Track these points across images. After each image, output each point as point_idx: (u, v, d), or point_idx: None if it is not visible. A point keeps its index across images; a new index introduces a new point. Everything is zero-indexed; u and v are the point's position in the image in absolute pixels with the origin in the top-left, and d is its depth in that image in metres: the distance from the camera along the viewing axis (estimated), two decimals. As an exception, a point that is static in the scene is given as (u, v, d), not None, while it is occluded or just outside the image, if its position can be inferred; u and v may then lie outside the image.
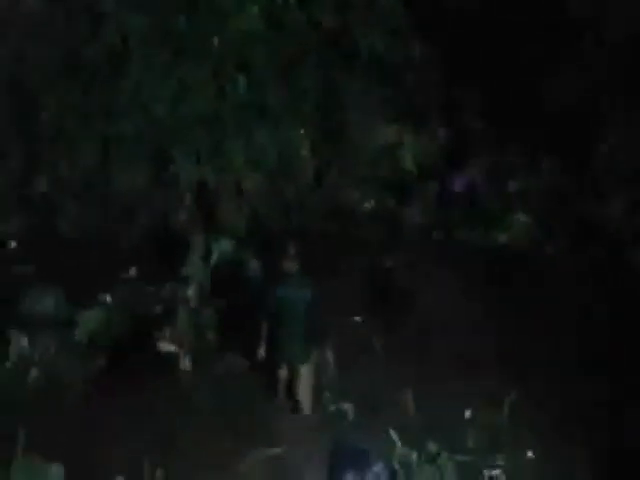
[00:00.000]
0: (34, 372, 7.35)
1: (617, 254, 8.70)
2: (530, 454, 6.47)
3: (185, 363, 7.67)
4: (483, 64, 9.13)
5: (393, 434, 6.43)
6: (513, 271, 8.55)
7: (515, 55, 9.02)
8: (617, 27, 8.49)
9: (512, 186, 9.38)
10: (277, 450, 6.55)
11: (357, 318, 8.05)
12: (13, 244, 8.05)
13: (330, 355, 7.41)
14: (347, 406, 7.06)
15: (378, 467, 6.04)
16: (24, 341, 7.43)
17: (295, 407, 7.15)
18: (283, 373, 7.23)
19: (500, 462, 6.36)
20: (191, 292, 7.84)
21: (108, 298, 7.88)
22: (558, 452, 6.42)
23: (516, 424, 6.72)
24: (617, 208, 8.92)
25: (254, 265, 8.02)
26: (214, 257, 8.14)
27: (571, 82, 8.48)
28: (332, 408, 7.11)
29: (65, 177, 7.84)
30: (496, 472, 6.25)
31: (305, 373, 7.12)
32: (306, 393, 7.16)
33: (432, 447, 6.37)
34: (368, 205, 9.10)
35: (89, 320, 7.67)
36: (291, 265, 7.03)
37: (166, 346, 7.48)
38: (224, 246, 8.22)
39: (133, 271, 7.96)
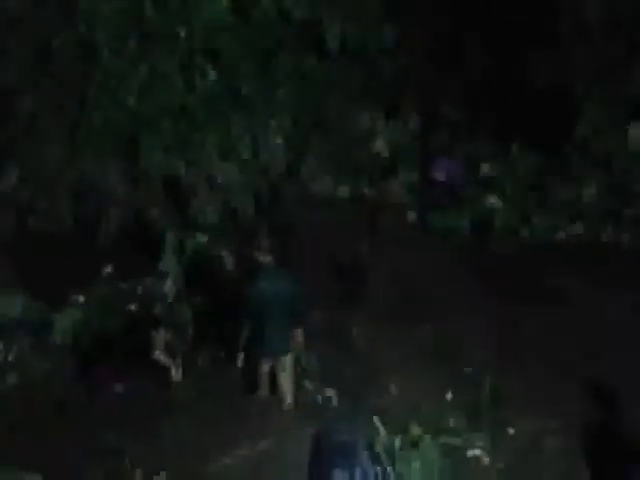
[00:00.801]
0: (11, 377, 7.20)
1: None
2: (511, 431, 6.50)
3: (162, 359, 7.55)
4: (458, 48, 9.14)
5: (376, 420, 6.40)
6: (493, 256, 8.59)
7: (491, 38, 9.03)
8: (594, 10, 8.54)
9: (485, 171, 9.40)
10: (263, 444, 6.48)
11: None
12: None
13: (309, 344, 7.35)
14: (330, 393, 7.01)
15: (366, 463, 5.98)
16: (-1, 345, 7.27)
17: (278, 399, 7.08)
18: (264, 366, 7.16)
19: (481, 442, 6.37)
20: (167, 288, 7.74)
21: (81, 298, 7.69)
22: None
23: (496, 404, 6.73)
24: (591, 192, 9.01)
25: (229, 259, 7.92)
26: (188, 252, 8.00)
27: (548, 66, 8.52)
28: (315, 397, 7.06)
29: (35, 171, 7.71)
30: (478, 452, 6.28)
31: (286, 364, 7.06)
32: (288, 384, 7.10)
33: (415, 431, 6.36)
34: (344, 192, 9.04)
35: (64, 321, 7.51)
36: (266, 257, 6.96)
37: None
38: (199, 241, 8.09)
39: (109, 268, 7.80)
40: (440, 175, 9.39)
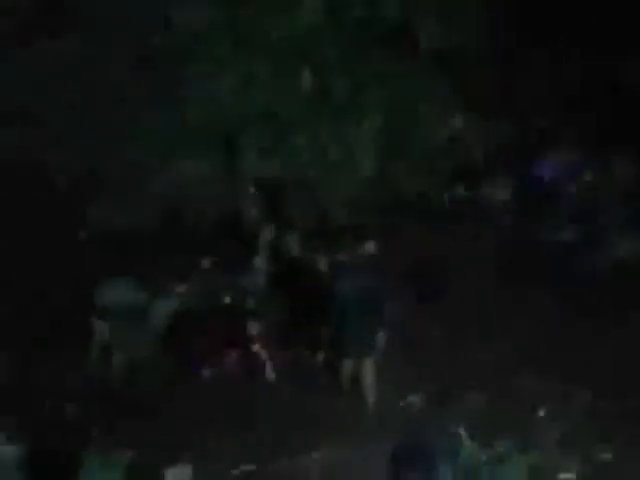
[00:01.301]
0: (118, 358, 7.55)
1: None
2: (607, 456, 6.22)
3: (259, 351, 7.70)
4: (550, 53, 8.82)
5: (462, 432, 6.27)
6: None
7: (582, 42, 8.67)
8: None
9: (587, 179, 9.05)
10: (344, 448, 6.49)
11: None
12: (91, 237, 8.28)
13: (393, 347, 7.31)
14: (414, 399, 6.93)
15: (443, 468, 5.86)
16: (106, 331, 7.64)
17: (361, 403, 7.08)
18: (347, 367, 7.18)
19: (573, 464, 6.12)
20: (260, 283, 7.94)
21: (182, 288, 8.03)
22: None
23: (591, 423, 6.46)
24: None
25: (322, 260, 8.03)
26: (282, 251, 8.19)
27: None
28: (400, 402, 7.01)
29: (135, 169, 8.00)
30: (570, 475, 6.02)
31: (369, 367, 7.05)
32: (371, 387, 7.09)
33: (501, 446, 6.19)
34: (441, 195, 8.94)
35: (165, 308, 7.83)
36: (361, 259, 6.99)
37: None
38: (292, 240, 8.27)
39: (208, 263, 8.13)
40: (544, 174, 9.11)
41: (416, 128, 8.46)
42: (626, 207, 8.88)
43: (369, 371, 7.06)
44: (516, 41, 8.79)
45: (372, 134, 7.95)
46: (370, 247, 7.99)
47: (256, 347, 7.62)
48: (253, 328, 7.72)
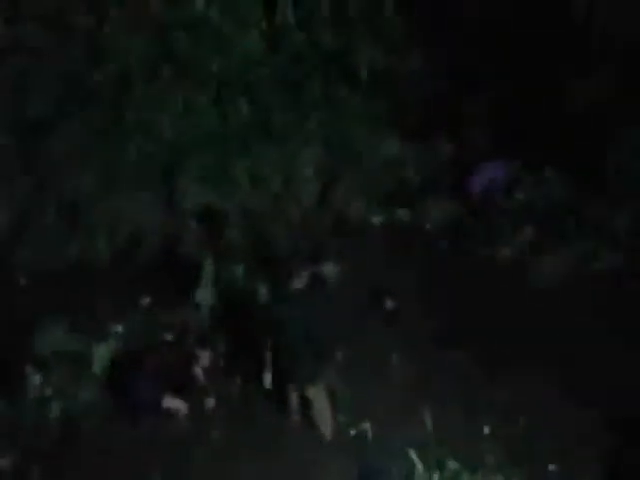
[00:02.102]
0: (54, 409, 7.28)
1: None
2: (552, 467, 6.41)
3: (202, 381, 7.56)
4: (487, 74, 9.07)
5: (413, 455, 6.35)
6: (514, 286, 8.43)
7: (522, 64, 8.94)
8: (626, 32, 8.39)
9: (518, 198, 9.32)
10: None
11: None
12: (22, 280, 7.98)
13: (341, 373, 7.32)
14: (366, 426, 6.97)
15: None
16: (37, 377, 7.36)
17: (314, 433, 7.05)
18: (293, 395, 7.14)
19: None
20: (203, 318, 7.80)
21: (120, 328, 7.78)
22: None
23: (536, 437, 6.63)
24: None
25: (263, 290, 7.97)
26: (223, 283, 8.08)
27: (580, 88, 8.40)
28: (351, 431, 7.02)
29: (70, 204, 7.82)
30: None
31: (318, 396, 7.02)
32: (322, 416, 7.06)
33: (452, 466, 6.30)
34: (377, 219, 9.04)
35: (103, 351, 7.60)
36: (298, 282, 6.97)
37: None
38: (234, 270, 8.17)
39: (146, 299, 7.91)
40: (477, 186, 9.30)
41: (354, 153, 8.59)
42: (557, 222, 9.16)
43: (319, 399, 7.03)
44: (451, 63, 9.01)
45: (312, 162, 8.03)
46: (324, 271, 8.02)
47: (200, 383, 7.45)
48: (196, 364, 7.55)
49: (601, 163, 8.97)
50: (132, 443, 6.96)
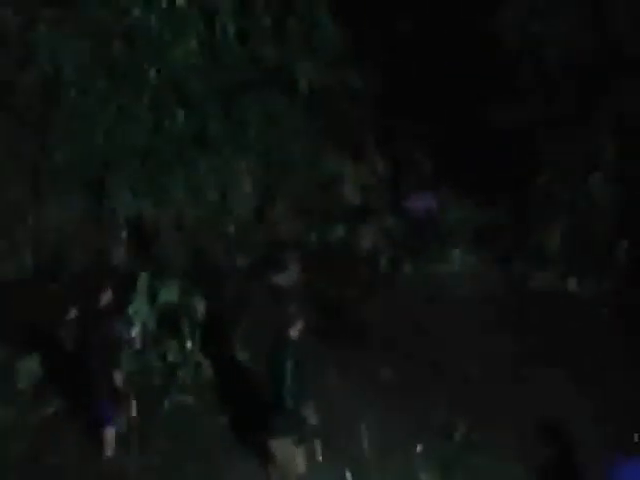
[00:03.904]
0: None
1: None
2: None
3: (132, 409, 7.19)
4: (421, 95, 9.21)
5: (348, 475, 6.23)
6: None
7: (452, 85, 9.13)
8: (554, 58, 8.67)
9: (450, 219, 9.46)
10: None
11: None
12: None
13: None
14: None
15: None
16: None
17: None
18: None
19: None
20: (135, 333, 7.48)
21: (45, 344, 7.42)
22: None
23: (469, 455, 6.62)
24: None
25: (202, 304, 7.67)
26: (160, 297, 7.74)
27: (508, 113, 8.61)
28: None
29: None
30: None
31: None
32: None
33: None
34: (313, 237, 8.93)
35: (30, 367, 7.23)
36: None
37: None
38: (169, 286, 7.83)
39: (73, 313, 7.51)
40: (416, 208, 9.39)
41: (290, 169, 8.54)
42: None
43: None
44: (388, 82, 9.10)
45: (248, 174, 7.93)
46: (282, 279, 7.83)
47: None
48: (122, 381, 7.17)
49: (531, 187, 9.21)
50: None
